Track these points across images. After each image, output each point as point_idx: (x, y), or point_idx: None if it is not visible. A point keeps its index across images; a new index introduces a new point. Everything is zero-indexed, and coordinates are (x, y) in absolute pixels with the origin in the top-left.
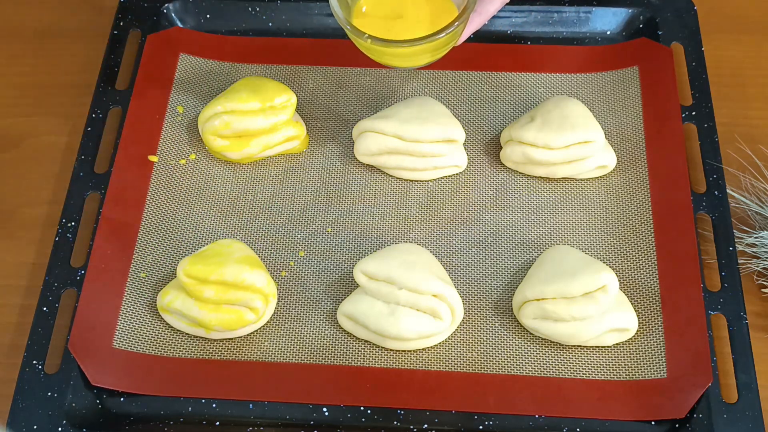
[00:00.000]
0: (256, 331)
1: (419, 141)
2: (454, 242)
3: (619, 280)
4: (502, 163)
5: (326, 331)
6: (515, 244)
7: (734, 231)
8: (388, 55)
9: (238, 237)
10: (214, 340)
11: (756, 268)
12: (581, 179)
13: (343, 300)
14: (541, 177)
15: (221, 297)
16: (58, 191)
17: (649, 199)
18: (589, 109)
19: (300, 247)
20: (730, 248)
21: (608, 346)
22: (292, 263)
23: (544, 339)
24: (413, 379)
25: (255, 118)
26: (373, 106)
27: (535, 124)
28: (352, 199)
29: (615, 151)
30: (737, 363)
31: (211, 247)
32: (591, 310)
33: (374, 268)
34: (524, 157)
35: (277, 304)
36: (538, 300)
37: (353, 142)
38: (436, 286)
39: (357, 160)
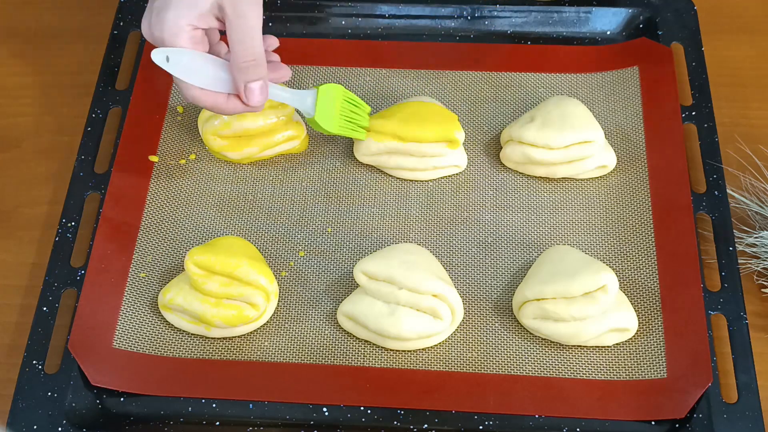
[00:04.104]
0: (257, 330)
1: (419, 141)
2: (454, 242)
3: (619, 280)
4: (502, 163)
5: (326, 331)
6: (515, 244)
7: (734, 231)
8: None
9: (238, 237)
10: (215, 340)
11: (756, 268)
12: (581, 179)
13: (343, 300)
14: (541, 177)
15: (224, 291)
16: (58, 191)
17: (649, 199)
18: (589, 109)
19: (300, 247)
20: (730, 248)
21: (608, 346)
22: (292, 263)
23: (544, 339)
24: (413, 379)
25: (255, 118)
26: (373, 106)
27: (535, 124)
28: (352, 199)
29: (615, 151)
30: (737, 363)
31: (218, 240)
32: (591, 310)
33: (374, 268)
34: (524, 157)
35: (278, 303)
36: (538, 300)
37: (353, 142)
38: (436, 286)
39: (357, 160)
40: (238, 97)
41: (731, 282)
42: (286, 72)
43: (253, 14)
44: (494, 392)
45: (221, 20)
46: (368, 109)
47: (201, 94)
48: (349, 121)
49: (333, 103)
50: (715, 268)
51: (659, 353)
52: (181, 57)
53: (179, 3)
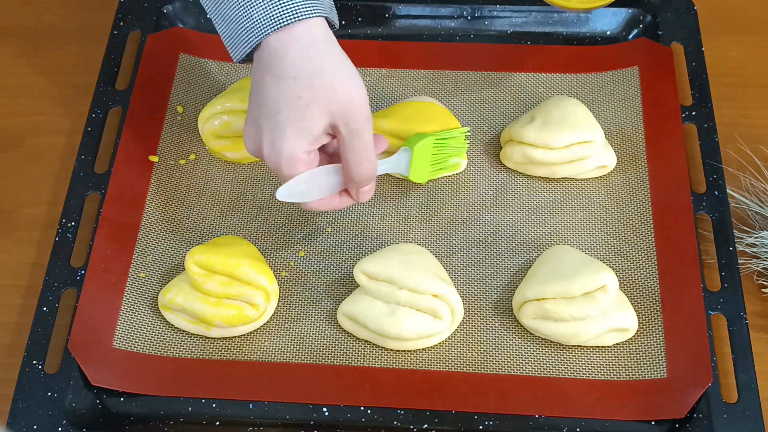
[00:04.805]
0: (257, 330)
1: None
2: (454, 242)
3: (619, 280)
4: (502, 163)
5: (326, 331)
6: (515, 244)
7: (734, 231)
8: None
9: (238, 236)
10: (215, 340)
11: (756, 268)
12: (581, 179)
13: (343, 300)
14: (541, 177)
15: (224, 291)
16: (58, 191)
17: (649, 199)
18: (589, 109)
19: (300, 247)
20: (730, 248)
21: (608, 346)
22: (292, 263)
23: (544, 339)
24: (413, 379)
25: None
26: (373, 106)
27: (535, 124)
28: None
29: (615, 151)
30: (737, 363)
31: (219, 240)
32: (591, 310)
33: (374, 268)
34: (524, 157)
35: (278, 303)
36: (538, 300)
37: None
38: (436, 286)
39: None
40: (347, 192)
41: (731, 282)
42: (383, 145)
43: (366, 130)
44: (494, 392)
45: (333, 135)
46: (463, 134)
47: (318, 204)
48: (441, 162)
49: (426, 155)
50: (715, 268)
51: (659, 353)
52: (300, 184)
53: (293, 132)
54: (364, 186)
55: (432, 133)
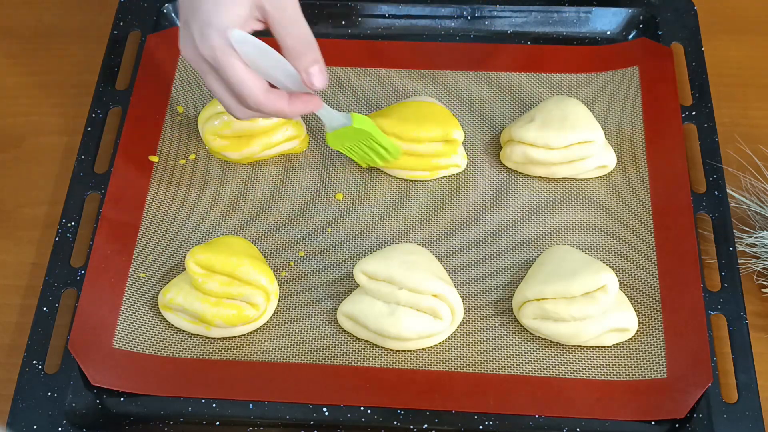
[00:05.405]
0: (257, 330)
1: (418, 141)
2: (454, 242)
3: (619, 280)
4: (502, 163)
5: (326, 331)
6: (515, 244)
7: (734, 231)
8: None
9: (238, 237)
10: (215, 340)
11: (756, 268)
12: (581, 179)
13: (343, 300)
14: (541, 177)
15: (224, 290)
16: (58, 191)
17: (649, 199)
18: (589, 109)
19: (300, 247)
20: (730, 248)
21: (608, 346)
22: (292, 263)
23: (544, 339)
24: (413, 379)
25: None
26: (373, 106)
27: (535, 124)
28: (352, 199)
29: (615, 151)
30: (737, 363)
31: (219, 240)
32: (591, 310)
33: (374, 268)
34: (524, 157)
35: (278, 303)
36: (538, 300)
37: None
38: (436, 286)
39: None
40: (297, 97)
41: (731, 282)
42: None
43: (291, 2)
44: (494, 392)
45: (262, 20)
46: (394, 153)
47: (265, 99)
48: (356, 151)
49: (355, 135)
50: (715, 268)
51: (659, 353)
52: (259, 43)
53: (219, 16)
54: (309, 62)
55: (376, 129)
